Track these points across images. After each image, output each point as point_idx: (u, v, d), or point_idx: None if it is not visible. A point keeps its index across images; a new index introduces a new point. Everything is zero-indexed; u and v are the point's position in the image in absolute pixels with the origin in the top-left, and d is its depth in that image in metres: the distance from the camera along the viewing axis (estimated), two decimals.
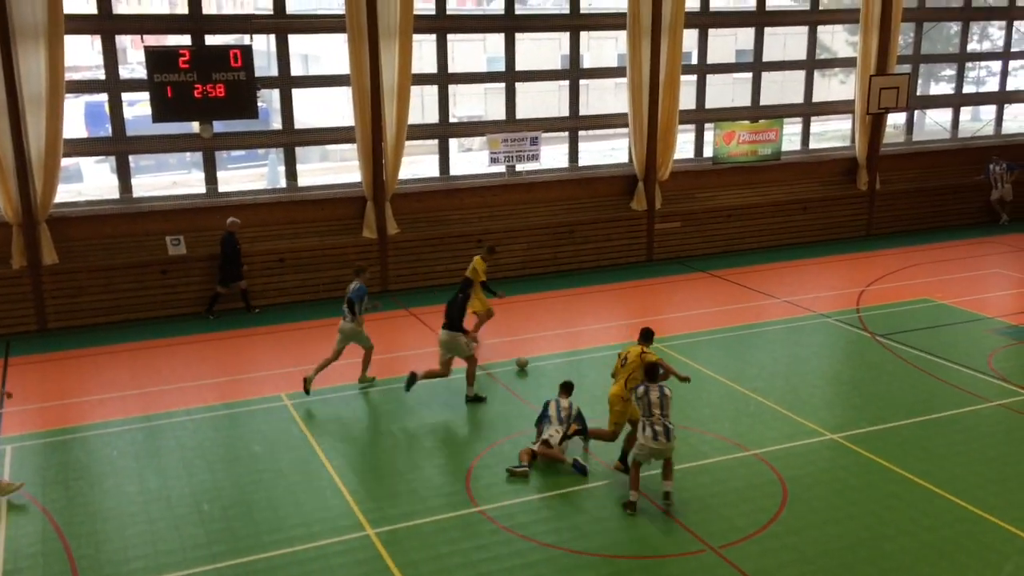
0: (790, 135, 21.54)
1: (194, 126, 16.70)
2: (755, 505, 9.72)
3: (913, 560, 8.73)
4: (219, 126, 16.75)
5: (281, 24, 16.97)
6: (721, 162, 20.50)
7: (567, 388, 10.98)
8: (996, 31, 23.91)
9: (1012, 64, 23.69)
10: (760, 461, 10.70)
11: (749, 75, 21.09)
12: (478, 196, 18.63)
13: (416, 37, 17.16)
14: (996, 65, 23.83)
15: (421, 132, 18.79)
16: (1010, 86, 23.76)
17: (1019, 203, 22.51)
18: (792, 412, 12.06)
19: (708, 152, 20.70)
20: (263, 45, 20.20)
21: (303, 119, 18.06)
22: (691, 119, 20.48)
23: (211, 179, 17.11)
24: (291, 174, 17.83)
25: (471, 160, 21.29)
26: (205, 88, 15.93)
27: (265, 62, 20.81)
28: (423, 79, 18.31)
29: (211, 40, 16.25)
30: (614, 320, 16.18)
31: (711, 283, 18.27)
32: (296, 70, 19.16)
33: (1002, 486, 10.07)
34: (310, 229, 17.51)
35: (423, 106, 21.07)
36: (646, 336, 10.53)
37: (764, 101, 21.11)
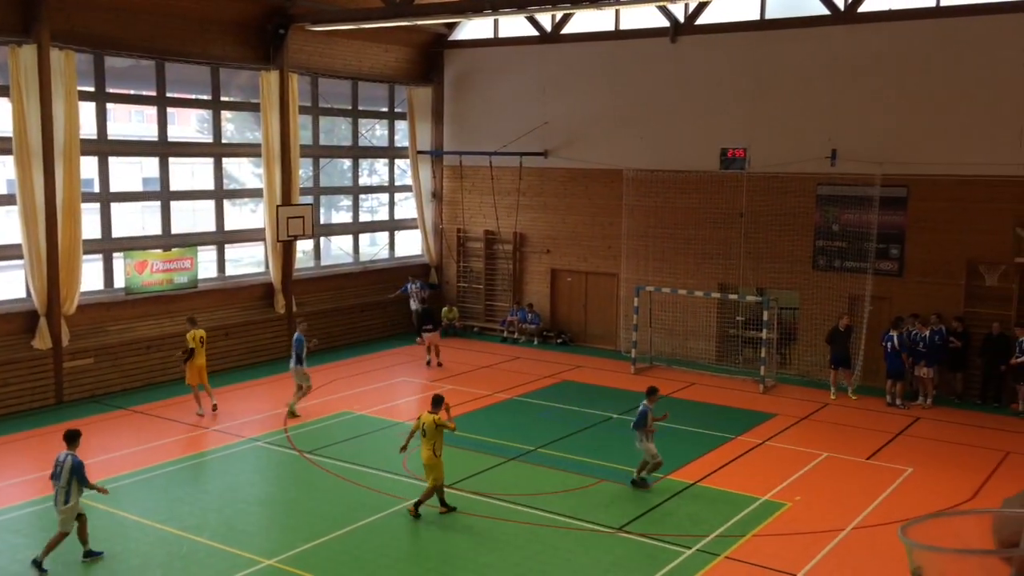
0: (206, 262, 21.61)
1: None
2: None
3: None
4: None
5: None
6: (135, 292, 19.66)
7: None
8: (382, 167, 27.26)
9: (397, 196, 27.14)
10: None
11: (158, 203, 20.79)
12: None
13: None
14: (385, 197, 27.09)
15: None
16: (397, 215, 27.13)
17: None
18: (227, 545, 11.76)
19: (120, 282, 19.72)
20: None
21: None
22: (97, 248, 19.37)
23: None
24: None
25: None
26: None
27: None
28: None
29: None
30: (24, 475, 14.23)
31: (133, 420, 17.18)
32: None
33: None
34: None
35: None
36: (437, 402, 12.68)
37: (176, 229, 20.92)
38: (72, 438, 11.31)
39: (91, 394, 18.52)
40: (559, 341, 24.70)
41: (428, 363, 21.79)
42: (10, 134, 17.20)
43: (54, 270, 17.77)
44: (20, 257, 17.67)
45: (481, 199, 26.16)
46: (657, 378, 20.92)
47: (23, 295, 18.09)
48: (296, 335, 17.79)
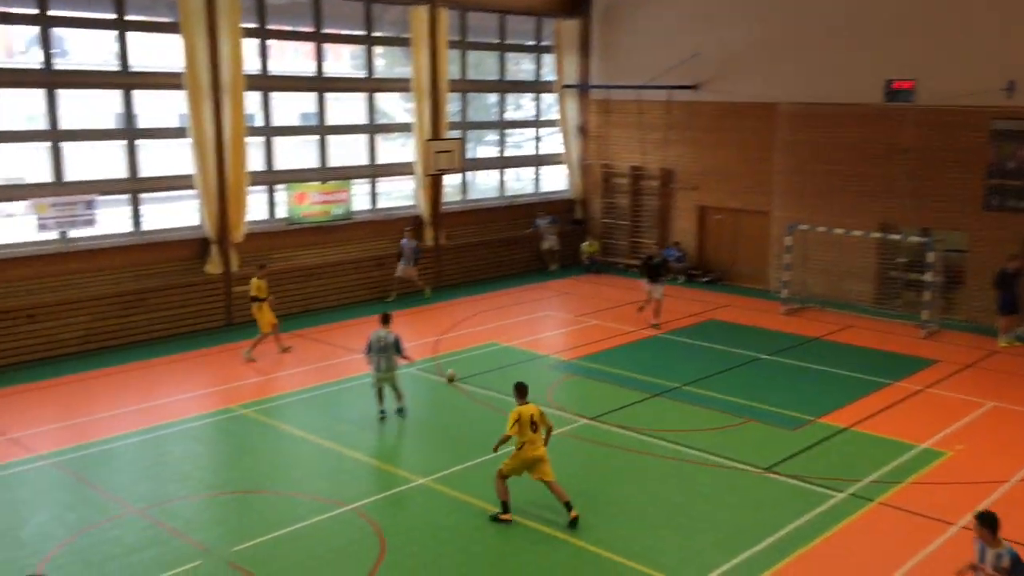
0: (359, 195, 22.34)
1: None
2: (356, 560, 9.76)
3: None
4: None
5: None
6: (295, 223, 20.59)
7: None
8: (528, 102, 27.23)
9: (543, 131, 27.10)
10: (358, 516, 10.79)
11: (316, 137, 21.55)
12: (26, 267, 16.64)
13: None
14: (531, 132, 27.11)
15: None
16: (542, 150, 27.12)
17: (564, 252, 25.65)
18: (384, 462, 12.35)
19: (281, 213, 20.68)
20: None
21: None
22: (261, 180, 20.33)
23: None
24: None
25: (14, 227, 18.89)
26: None
27: None
28: None
29: None
30: (197, 389, 15.35)
31: (294, 343, 18.10)
32: None
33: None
34: None
35: None
36: (523, 391, 10.94)
37: (332, 163, 21.67)
38: (389, 319, 14.00)
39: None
40: (706, 280, 24.28)
41: (642, 309, 19.94)
42: (182, 70, 18.11)
43: (223, 200, 18.79)
44: (193, 187, 18.76)
45: (628, 134, 25.78)
46: (810, 320, 20.35)
47: (197, 223, 19.25)
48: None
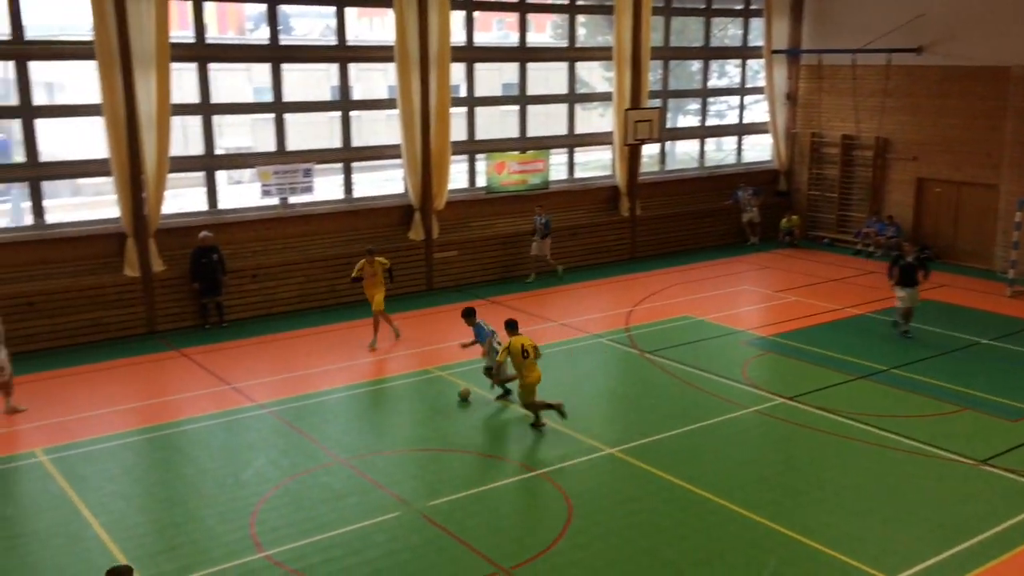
0: (557, 165, 22.51)
1: None
2: (543, 523, 9.97)
3: (689, 563, 9.25)
4: None
5: (20, 50, 15.64)
6: (494, 191, 21.05)
7: None
8: (733, 69, 26.36)
9: (747, 99, 26.14)
10: (546, 480, 11.00)
11: (516, 107, 21.87)
12: (251, 230, 18.02)
13: (175, 65, 16.46)
14: (735, 100, 26.24)
15: (185, 164, 17.91)
16: (746, 119, 26.18)
17: (765, 224, 24.78)
18: (573, 430, 12.49)
19: (481, 182, 21.21)
20: None
21: (51, 151, 16.65)
22: (463, 150, 20.90)
23: None
24: (38, 211, 16.41)
25: (241, 193, 20.53)
26: None
27: (2, 90, 19.02)
28: (184, 109, 17.49)
29: None
30: (398, 350, 16.12)
31: (491, 310, 18.56)
32: (40, 99, 17.55)
33: (760, 485, 10.91)
34: (63, 269, 16.19)
35: (185, 137, 20.13)
36: (514, 325, 12.80)
37: (531, 133, 21.93)
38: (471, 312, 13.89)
39: (455, 283, 20.30)
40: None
41: (896, 324, 16.87)
42: (393, 43, 18.86)
43: (427, 169, 19.49)
44: (399, 156, 19.59)
45: (840, 101, 24.41)
46: None
47: (401, 191, 20.10)
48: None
